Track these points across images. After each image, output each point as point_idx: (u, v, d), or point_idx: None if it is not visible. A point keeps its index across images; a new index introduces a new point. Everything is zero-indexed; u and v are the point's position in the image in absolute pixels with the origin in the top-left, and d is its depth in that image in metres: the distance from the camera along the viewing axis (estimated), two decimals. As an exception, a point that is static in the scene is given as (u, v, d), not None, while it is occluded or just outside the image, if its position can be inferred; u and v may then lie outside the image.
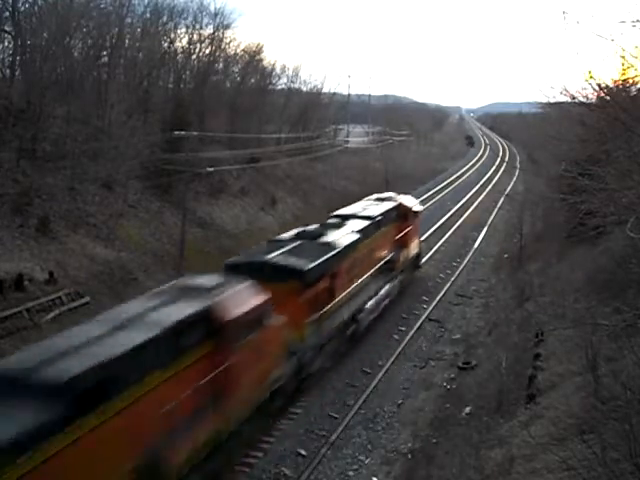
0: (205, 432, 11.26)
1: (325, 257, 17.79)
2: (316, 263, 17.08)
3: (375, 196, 27.59)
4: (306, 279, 16.40)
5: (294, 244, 18.19)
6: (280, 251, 17.37)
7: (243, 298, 12.87)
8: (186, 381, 10.56)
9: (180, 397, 10.34)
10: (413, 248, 27.45)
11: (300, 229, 20.13)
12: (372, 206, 24.70)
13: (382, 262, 22.83)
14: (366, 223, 21.65)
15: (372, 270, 21.61)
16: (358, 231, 20.71)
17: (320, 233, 19.46)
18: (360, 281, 20.39)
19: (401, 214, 25.65)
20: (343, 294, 18.92)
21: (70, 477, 8.23)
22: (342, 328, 19.24)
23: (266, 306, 13.48)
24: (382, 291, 22.69)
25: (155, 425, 9.76)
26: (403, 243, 25.59)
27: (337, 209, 24.45)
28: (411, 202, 28.62)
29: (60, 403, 8.18)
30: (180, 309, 11.14)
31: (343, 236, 19.83)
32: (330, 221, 21.76)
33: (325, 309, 17.80)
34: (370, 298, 21.38)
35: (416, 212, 28.32)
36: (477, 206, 50.87)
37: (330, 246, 18.63)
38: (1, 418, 7.89)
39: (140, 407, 9.37)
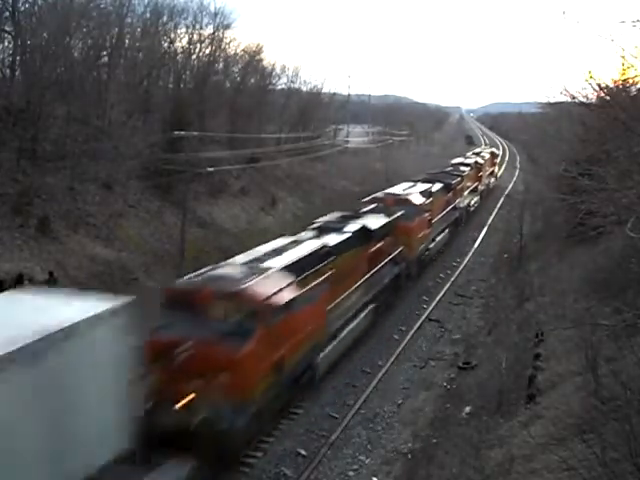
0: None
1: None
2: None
3: (481, 148, 69.86)
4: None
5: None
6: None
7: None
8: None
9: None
10: (497, 169, 64.91)
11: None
12: (484, 151, 62.75)
13: (493, 169, 60.38)
14: (487, 156, 57.65)
15: (494, 168, 62.33)
16: (488, 153, 61.03)
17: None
18: (487, 172, 54.05)
19: (494, 154, 65.30)
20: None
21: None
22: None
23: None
24: (492, 179, 60.01)
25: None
26: (495, 164, 63.73)
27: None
28: (497, 150, 78.34)
29: None
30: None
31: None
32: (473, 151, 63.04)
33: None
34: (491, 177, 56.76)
35: (497, 154, 71.23)
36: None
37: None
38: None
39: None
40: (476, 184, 46.05)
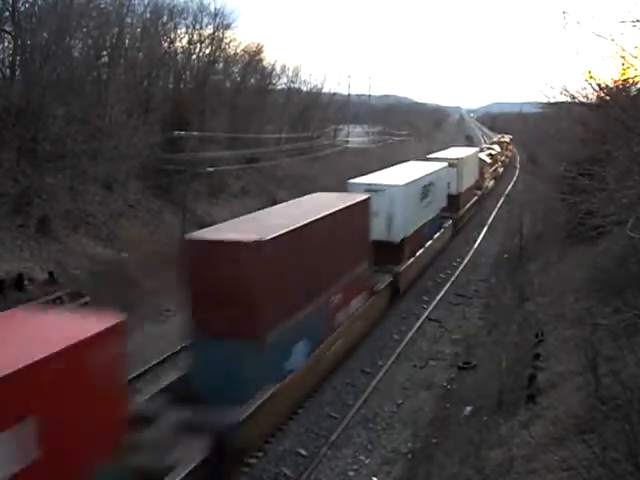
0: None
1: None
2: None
3: (497, 137, 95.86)
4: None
5: None
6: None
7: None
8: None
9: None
10: (510, 154, 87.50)
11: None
12: (505, 136, 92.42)
13: (510, 146, 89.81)
14: (508, 139, 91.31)
15: (511, 146, 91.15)
16: (508, 138, 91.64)
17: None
18: (510, 146, 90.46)
19: (511, 139, 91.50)
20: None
21: None
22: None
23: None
24: (510, 153, 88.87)
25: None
26: (511, 144, 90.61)
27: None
28: (509, 137, 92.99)
29: None
30: None
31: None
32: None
33: None
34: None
35: (512, 139, 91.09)
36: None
37: None
38: None
39: None
40: (507, 153, 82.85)
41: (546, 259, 26.25)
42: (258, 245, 13.12)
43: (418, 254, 27.32)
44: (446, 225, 33.88)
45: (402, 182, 25.13)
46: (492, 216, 46.60)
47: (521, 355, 16.65)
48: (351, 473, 13.74)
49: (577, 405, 11.14)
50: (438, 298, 26.30)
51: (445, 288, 27.75)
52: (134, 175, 32.66)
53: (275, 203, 42.96)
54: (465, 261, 32.87)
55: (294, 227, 14.81)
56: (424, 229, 28.36)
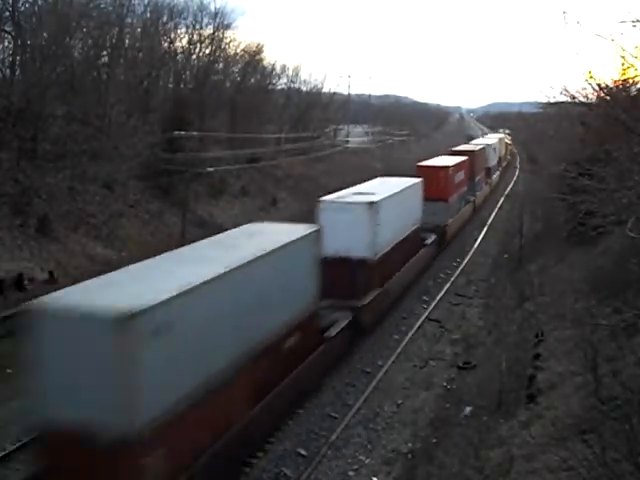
0: None
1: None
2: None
3: (502, 131, 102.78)
4: None
5: None
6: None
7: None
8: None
9: None
10: (512, 147, 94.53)
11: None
12: (505, 131, 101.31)
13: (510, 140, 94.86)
14: (509, 132, 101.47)
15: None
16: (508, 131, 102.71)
17: None
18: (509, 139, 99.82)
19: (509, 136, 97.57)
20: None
21: None
22: None
23: None
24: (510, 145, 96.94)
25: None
26: (511, 149, 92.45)
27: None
28: (508, 130, 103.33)
29: None
30: None
31: None
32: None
33: None
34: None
35: (509, 136, 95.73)
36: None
37: None
38: None
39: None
40: (511, 144, 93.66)
41: (546, 259, 26.25)
42: None
43: (494, 176, 58.38)
44: (499, 169, 64.61)
45: (491, 143, 58.46)
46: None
47: (521, 355, 16.65)
48: (351, 473, 13.72)
49: (577, 405, 11.15)
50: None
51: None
52: (134, 175, 32.69)
53: (275, 203, 43.23)
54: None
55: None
56: (494, 167, 58.24)
